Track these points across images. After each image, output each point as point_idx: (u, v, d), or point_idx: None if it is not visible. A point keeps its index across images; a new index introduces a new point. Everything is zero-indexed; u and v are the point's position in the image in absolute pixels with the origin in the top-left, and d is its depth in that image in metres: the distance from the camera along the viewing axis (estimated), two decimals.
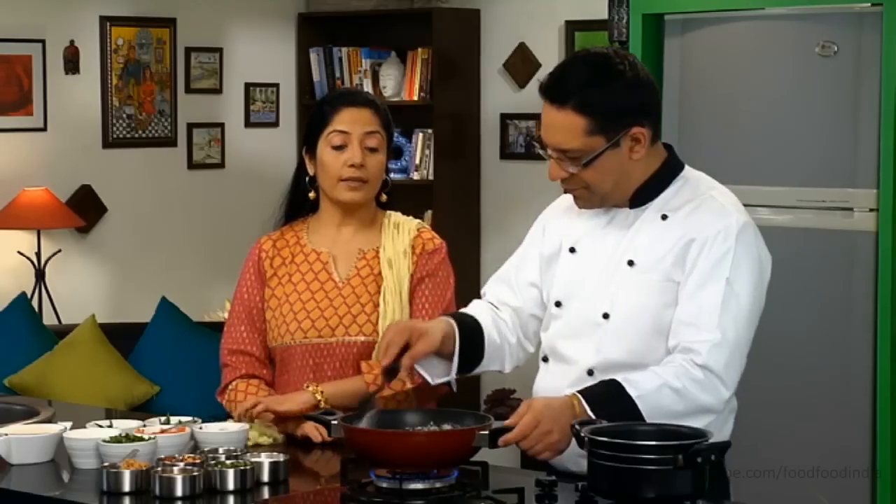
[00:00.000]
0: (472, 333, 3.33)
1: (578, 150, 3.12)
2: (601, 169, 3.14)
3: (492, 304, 3.43)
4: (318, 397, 3.48)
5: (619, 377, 3.08)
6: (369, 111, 3.65)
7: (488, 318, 3.38)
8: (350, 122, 3.62)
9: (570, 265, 3.28)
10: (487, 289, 3.47)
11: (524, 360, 3.45)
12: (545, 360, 3.33)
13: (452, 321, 3.32)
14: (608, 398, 3.04)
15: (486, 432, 2.94)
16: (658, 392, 3.04)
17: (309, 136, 3.68)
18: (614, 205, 3.23)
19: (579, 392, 3.07)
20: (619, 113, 3.12)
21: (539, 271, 3.36)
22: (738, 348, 3.10)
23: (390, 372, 3.23)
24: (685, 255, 3.13)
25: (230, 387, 3.66)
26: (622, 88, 3.12)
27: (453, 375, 3.32)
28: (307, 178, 3.69)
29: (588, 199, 3.21)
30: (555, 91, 3.14)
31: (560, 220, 3.35)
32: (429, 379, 3.32)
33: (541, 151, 3.21)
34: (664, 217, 3.19)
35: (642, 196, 3.21)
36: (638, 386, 3.05)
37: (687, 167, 3.28)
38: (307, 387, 3.51)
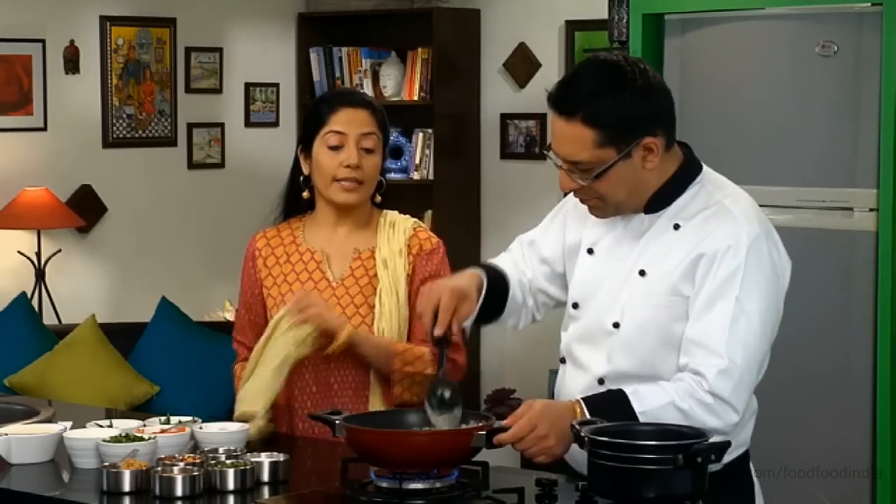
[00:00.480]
0: (499, 287, 3.31)
1: (589, 163, 3.03)
2: (613, 180, 3.05)
3: (517, 263, 3.40)
4: (344, 335, 3.48)
5: (626, 388, 3.03)
6: (366, 112, 3.64)
7: (515, 276, 3.35)
8: (347, 123, 3.61)
9: (587, 267, 3.23)
10: (514, 246, 3.43)
11: (531, 323, 3.42)
12: (563, 361, 3.29)
13: (483, 275, 3.28)
14: (611, 409, 2.99)
15: (484, 432, 2.93)
16: (663, 409, 2.98)
17: (305, 136, 3.68)
18: (631, 212, 3.16)
19: (583, 399, 3.04)
20: (629, 124, 3.02)
21: (555, 252, 3.32)
22: (747, 372, 3.03)
23: (442, 341, 3.15)
24: (694, 271, 3.06)
25: (234, 372, 3.72)
26: (632, 98, 3.01)
27: (469, 323, 3.26)
28: (301, 178, 3.69)
29: (603, 209, 3.14)
30: (563, 102, 3.04)
31: (581, 215, 3.26)
32: None
33: (552, 161, 3.11)
34: (676, 227, 3.11)
35: (657, 202, 3.13)
36: (643, 401, 3.00)
37: (706, 169, 3.18)
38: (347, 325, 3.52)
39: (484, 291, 3.24)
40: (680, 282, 3.07)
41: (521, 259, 3.39)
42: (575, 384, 3.19)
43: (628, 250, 3.16)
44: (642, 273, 3.12)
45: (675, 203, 3.13)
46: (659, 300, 3.09)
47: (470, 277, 3.25)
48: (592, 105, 3.00)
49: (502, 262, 3.40)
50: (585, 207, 3.21)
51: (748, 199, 3.17)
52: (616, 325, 3.13)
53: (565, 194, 3.24)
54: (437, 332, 3.13)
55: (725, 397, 2.99)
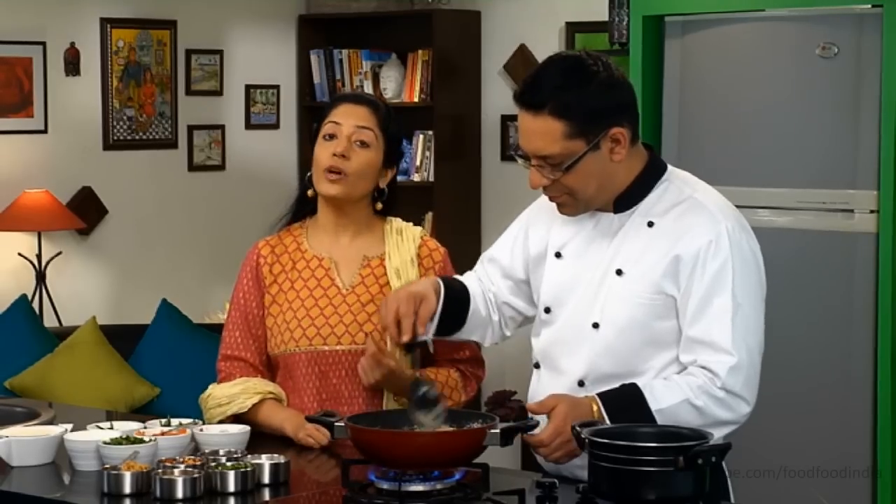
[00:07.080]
0: (458, 296, 3.34)
1: (559, 156, 3.09)
2: (583, 173, 3.10)
3: (481, 279, 3.43)
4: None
5: (640, 384, 3.08)
6: (366, 108, 3.60)
7: (477, 289, 3.39)
8: (343, 115, 3.59)
9: (557, 271, 3.25)
10: (478, 266, 3.47)
11: (500, 340, 3.46)
12: (537, 366, 3.31)
13: (440, 282, 3.33)
14: (627, 406, 3.04)
15: (497, 431, 2.98)
16: (678, 407, 3.05)
17: (313, 135, 3.67)
18: (598, 209, 3.19)
19: (599, 395, 3.07)
20: (596, 114, 3.08)
21: (514, 265, 3.36)
22: (752, 364, 3.10)
23: (411, 346, 3.25)
24: (676, 268, 3.09)
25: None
26: (598, 89, 3.08)
27: (430, 335, 3.30)
28: (307, 176, 3.65)
29: (573, 205, 3.17)
30: (530, 97, 3.12)
31: (545, 221, 3.31)
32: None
33: (520, 161, 3.18)
34: (650, 224, 3.14)
35: (626, 200, 3.17)
36: (659, 399, 3.05)
37: (670, 167, 3.24)
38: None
39: (442, 295, 3.28)
40: (662, 280, 3.11)
41: (484, 275, 3.43)
42: (553, 389, 3.21)
43: (601, 251, 3.18)
44: (619, 272, 3.15)
45: (645, 200, 3.17)
46: (640, 299, 3.12)
47: (426, 282, 3.34)
48: (560, 97, 3.08)
49: (465, 277, 3.45)
50: (548, 214, 3.28)
51: (716, 192, 3.22)
52: (595, 326, 3.16)
53: (553, 201, 3.25)
54: (405, 338, 3.21)
55: (737, 391, 3.07)
